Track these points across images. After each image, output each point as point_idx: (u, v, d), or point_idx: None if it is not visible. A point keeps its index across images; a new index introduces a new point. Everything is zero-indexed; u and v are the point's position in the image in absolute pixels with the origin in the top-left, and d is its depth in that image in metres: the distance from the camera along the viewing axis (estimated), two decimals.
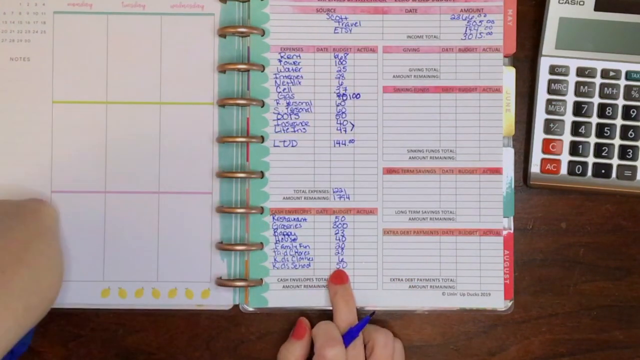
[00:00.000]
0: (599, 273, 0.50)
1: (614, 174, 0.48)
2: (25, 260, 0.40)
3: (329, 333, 0.44)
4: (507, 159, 0.49)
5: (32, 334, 0.45)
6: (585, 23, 0.48)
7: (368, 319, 0.45)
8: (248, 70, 0.48)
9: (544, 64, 0.48)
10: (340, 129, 0.49)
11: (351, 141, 0.49)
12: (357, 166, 0.49)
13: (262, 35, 0.48)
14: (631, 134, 0.48)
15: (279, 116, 0.49)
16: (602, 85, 0.48)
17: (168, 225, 0.48)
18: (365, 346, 0.45)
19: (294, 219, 0.48)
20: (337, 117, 0.49)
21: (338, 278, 0.48)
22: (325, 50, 0.49)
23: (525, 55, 0.50)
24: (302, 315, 0.48)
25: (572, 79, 0.48)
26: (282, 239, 0.48)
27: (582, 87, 0.48)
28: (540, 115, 0.48)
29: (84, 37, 0.49)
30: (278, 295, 0.48)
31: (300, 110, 0.49)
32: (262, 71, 0.48)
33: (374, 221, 0.48)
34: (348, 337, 0.44)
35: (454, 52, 0.49)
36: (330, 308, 0.47)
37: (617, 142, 0.48)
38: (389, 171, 0.49)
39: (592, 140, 0.48)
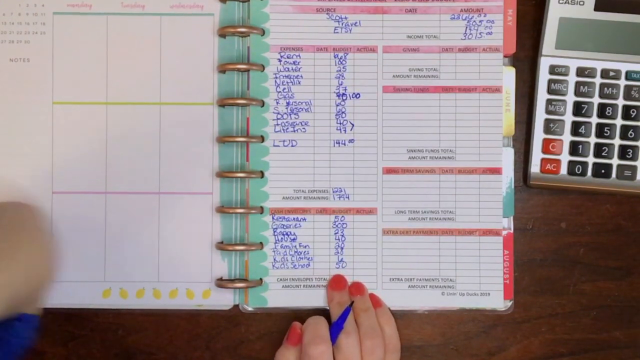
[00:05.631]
0: (599, 273, 0.50)
1: (614, 174, 0.48)
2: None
3: (316, 330, 0.43)
4: (506, 159, 0.49)
5: (32, 330, 0.44)
6: (585, 23, 0.47)
7: (349, 309, 0.45)
8: (248, 70, 0.48)
9: (544, 64, 0.48)
10: (340, 129, 0.49)
11: (351, 141, 0.49)
12: (356, 166, 0.49)
13: (262, 35, 0.48)
14: (631, 134, 0.48)
15: (279, 116, 0.49)
16: (602, 85, 0.48)
17: (168, 225, 0.48)
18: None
19: (294, 218, 0.48)
20: (337, 116, 0.49)
21: (337, 284, 0.48)
22: (325, 50, 0.49)
23: (525, 55, 0.50)
24: (302, 315, 0.48)
25: (572, 79, 0.48)
26: (281, 238, 0.48)
27: (582, 87, 0.48)
28: (540, 115, 0.48)
29: (83, 37, 0.49)
30: (278, 295, 0.48)
31: (300, 110, 0.49)
32: (262, 71, 0.48)
33: (373, 221, 0.48)
34: (333, 333, 0.44)
35: (454, 52, 0.49)
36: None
37: (617, 142, 0.48)
38: (389, 171, 0.49)
39: (592, 140, 0.48)
